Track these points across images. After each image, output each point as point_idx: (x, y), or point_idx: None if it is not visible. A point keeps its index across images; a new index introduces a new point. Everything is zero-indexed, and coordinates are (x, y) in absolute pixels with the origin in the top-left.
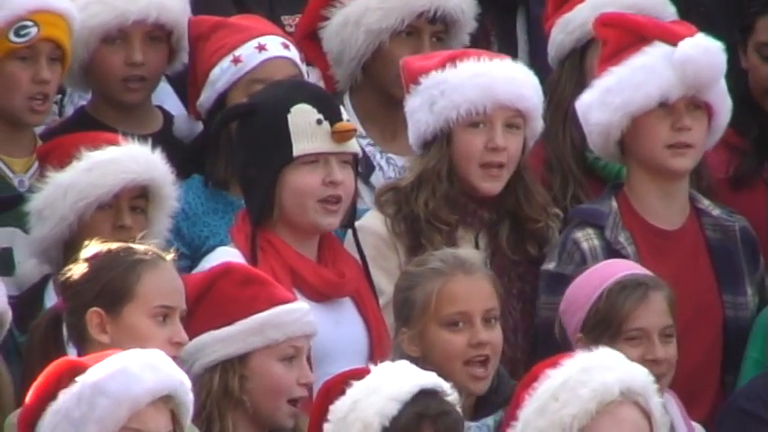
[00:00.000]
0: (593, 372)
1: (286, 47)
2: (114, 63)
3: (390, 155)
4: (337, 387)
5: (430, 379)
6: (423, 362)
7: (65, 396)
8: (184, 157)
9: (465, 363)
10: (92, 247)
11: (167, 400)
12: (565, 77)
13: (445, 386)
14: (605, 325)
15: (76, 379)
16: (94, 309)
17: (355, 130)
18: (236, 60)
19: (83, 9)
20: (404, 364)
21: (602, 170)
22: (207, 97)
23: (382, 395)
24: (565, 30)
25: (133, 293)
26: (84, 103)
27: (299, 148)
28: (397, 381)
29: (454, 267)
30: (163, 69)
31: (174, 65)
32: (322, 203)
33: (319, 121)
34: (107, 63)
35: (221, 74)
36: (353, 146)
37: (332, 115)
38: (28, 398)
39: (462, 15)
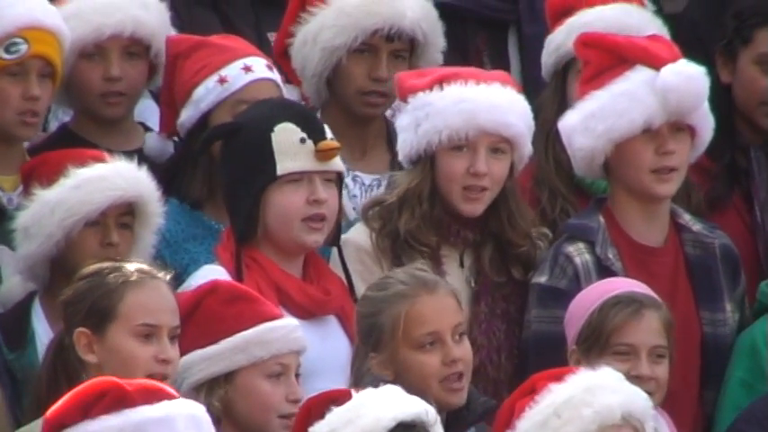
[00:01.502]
0: (598, 392)
1: (270, 68)
2: (92, 78)
3: (357, 172)
4: (318, 408)
5: (410, 409)
6: (396, 383)
7: (105, 421)
8: (161, 178)
9: (441, 381)
10: (87, 268)
11: None
12: (548, 98)
13: (424, 415)
14: (595, 337)
15: (123, 411)
16: (81, 329)
17: (339, 149)
18: (222, 80)
19: None
20: (387, 390)
21: (588, 187)
22: (189, 116)
23: (358, 427)
24: (548, 51)
25: (116, 313)
26: (67, 119)
27: (282, 166)
28: (376, 412)
29: (417, 288)
30: (142, 84)
31: (156, 80)
32: (306, 222)
33: (303, 140)
34: (85, 78)
35: (206, 93)
36: (337, 164)
37: (315, 134)
38: (62, 402)
39: (422, 34)
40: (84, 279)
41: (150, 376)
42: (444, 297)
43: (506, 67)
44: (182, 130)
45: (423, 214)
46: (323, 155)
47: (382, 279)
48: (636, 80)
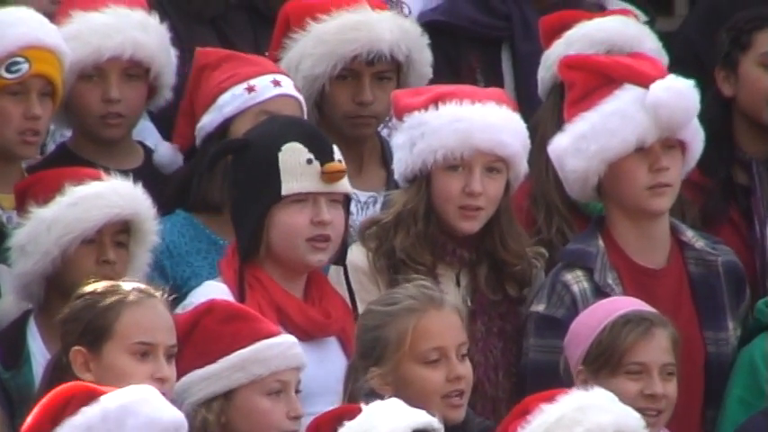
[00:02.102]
0: (589, 411)
1: (298, 89)
2: (91, 100)
3: (353, 190)
4: (328, 425)
5: (422, 419)
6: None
7: (86, 413)
8: (173, 189)
9: (442, 397)
10: (84, 288)
11: None
12: (546, 114)
13: (436, 425)
14: (606, 357)
15: (101, 399)
16: (77, 348)
17: (345, 171)
18: (251, 89)
19: None
20: (395, 403)
21: (585, 207)
22: (210, 120)
23: None
24: (545, 66)
25: (112, 331)
26: (65, 139)
27: (287, 187)
28: (390, 422)
29: (425, 303)
30: (142, 106)
31: (156, 101)
32: (310, 242)
33: (309, 161)
34: (84, 100)
35: (232, 99)
36: (344, 185)
37: (323, 155)
38: (32, 415)
39: (402, 54)
40: (80, 298)
41: None
42: (451, 314)
43: (500, 85)
44: (200, 134)
45: (418, 233)
46: (329, 177)
47: (389, 294)
48: (625, 99)
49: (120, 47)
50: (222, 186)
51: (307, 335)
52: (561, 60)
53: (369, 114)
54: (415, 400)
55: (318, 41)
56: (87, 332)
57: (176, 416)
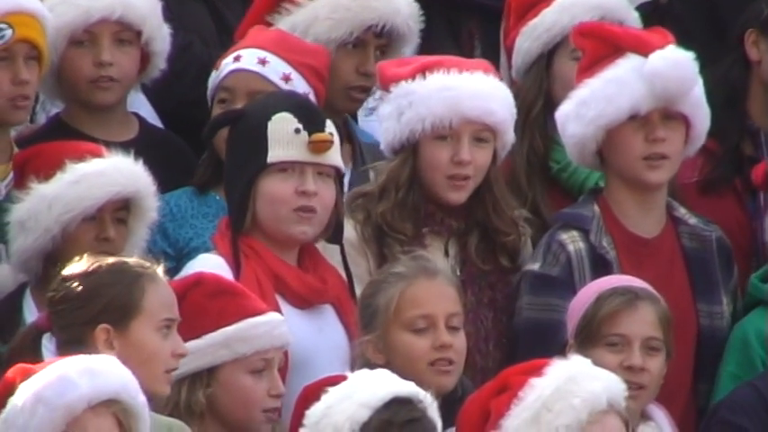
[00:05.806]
0: (581, 381)
1: (262, 63)
2: (83, 65)
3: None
4: (315, 393)
5: (405, 387)
6: (388, 369)
7: (11, 404)
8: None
9: (429, 364)
10: (79, 263)
11: (110, 405)
12: (530, 82)
13: (421, 394)
14: (589, 329)
15: (20, 386)
16: (103, 325)
17: (332, 142)
18: (216, 67)
19: (50, 11)
20: (381, 371)
21: (565, 182)
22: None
23: (354, 401)
24: (531, 36)
25: (140, 308)
26: (57, 110)
27: (273, 155)
28: (371, 388)
29: (417, 271)
30: (134, 72)
31: (150, 71)
32: (296, 212)
33: (297, 130)
34: (76, 65)
35: (213, 79)
36: (333, 158)
37: (312, 126)
38: None
39: (408, 31)
40: (84, 276)
41: (167, 372)
42: (443, 285)
43: (497, 54)
44: None
45: (398, 201)
46: (315, 146)
47: (388, 265)
48: (626, 67)
49: (109, 7)
50: (207, 167)
51: (305, 302)
52: (575, 28)
53: (367, 86)
54: (402, 368)
55: (339, 6)
56: (111, 309)
57: (90, 389)
